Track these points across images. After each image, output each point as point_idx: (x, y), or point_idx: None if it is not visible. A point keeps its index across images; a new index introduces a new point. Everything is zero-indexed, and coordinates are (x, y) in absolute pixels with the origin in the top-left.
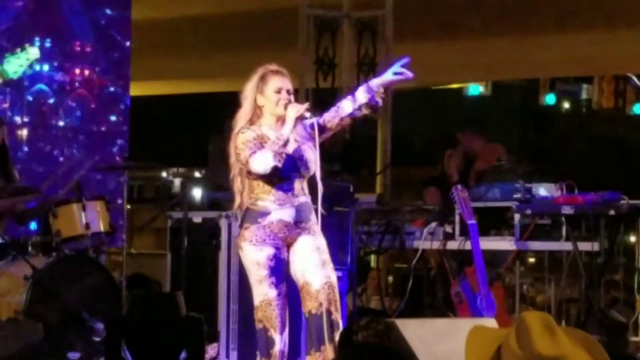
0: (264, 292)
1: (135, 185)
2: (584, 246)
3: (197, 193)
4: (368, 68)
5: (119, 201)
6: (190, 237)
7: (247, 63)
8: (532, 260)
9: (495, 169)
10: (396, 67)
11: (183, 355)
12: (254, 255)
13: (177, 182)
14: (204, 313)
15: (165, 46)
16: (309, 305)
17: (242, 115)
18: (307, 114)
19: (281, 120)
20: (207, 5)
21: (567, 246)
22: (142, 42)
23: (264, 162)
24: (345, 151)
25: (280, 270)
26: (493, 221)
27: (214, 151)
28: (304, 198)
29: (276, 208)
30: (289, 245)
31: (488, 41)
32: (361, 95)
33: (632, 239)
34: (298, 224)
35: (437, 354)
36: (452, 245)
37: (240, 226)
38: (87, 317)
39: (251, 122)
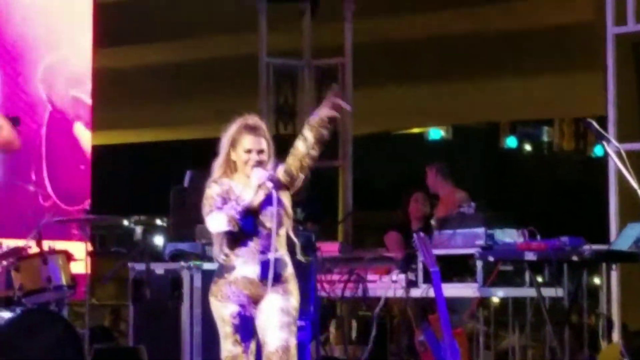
0: (228, 348)
1: (97, 235)
2: (548, 292)
3: (158, 241)
4: None
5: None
6: (152, 289)
7: (207, 110)
8: (495, 306)
9: (457, 215)
10: (328, 99)
11: None
12: (219, 311)
13: (139, 230)
14: None
15: (126, 95)
16: None
17: (217, 166)
18: (269, 185)
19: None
20: (167, 54)
21: (530, 292)
22: (102, 91)
23: (217, 224)
24: (308, 199)
25: (247, 327)
26: (456, 268)
27: (175, 201)
28: (276, 254)
29: (241, 264)
30: (256, 302)
31: (447, 85)
32: (307, 132)
33: (597, 281)
34: (264, 281)
35: None
36: (415, 292)
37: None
38: None
39: (225, 174)
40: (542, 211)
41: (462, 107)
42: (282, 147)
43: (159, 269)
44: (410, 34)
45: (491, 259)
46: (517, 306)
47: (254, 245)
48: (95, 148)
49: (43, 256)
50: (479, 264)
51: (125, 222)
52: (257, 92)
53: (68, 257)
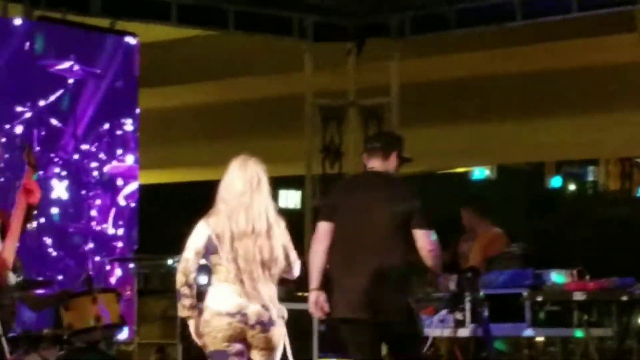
0: None
1: (141, 274)
2: (597, 332)
3: (203, 280)
4: None
5: (128, 292)
6: None
7: (253, 150)
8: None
9: (505, 254)
10: None
11: None
12: None
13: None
14: None
15: (172, 135)
16: None
17: None
18: None
19: None
20: (212, 94)
21: (578, 332)
22: (147, 130)
23: None
24: None
25: None
26: (503, 308)
27: None
28: None
29: None
30: None
31: (493, 125)
32: None
33: None
34: None
35: None
36: (462, 332)
37: None
38: None
39: None
40: (588, 250)
41: (506, 146)
42: (328, 186)
43: None
44: (456, 73)
45: (540, 299)
46: (565, 346)
47: None
48: (141, 187)
49: (92, 295)
50: (527, 304)
51: (169, 262)
52: (303, 131)
53: (117, 295)
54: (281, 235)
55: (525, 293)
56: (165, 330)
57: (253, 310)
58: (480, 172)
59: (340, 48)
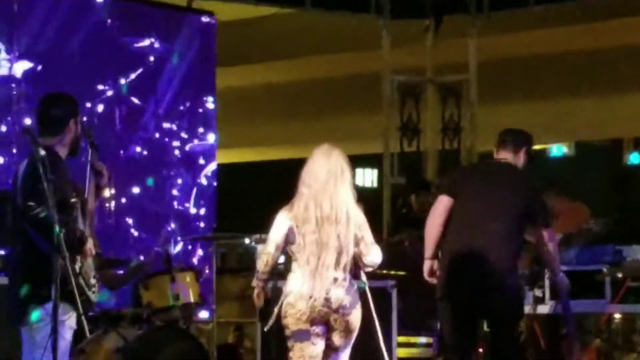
0: None
1: (219, 253)
2: None
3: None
4: (453, 132)
5: (207, 271)
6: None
7: (330, 128)
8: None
9: (584, 231)
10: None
11: None
12: None
13: (260, 248)
14: None
15: (249, 113)
16: None
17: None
18: None
19: None
20: (290, 73)
21: None
22: (225, 109)
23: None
24: None
25: None
26: (583, 285)
27: None
28: None
29: None
30: None
31: (570, 102)
32: None
33: None
34: None
35: None
36: (542, 309)
37: None
38: None
39: None
40: None
41: (585, 123)
42: (406, 163)
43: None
44: (533, 50)
45: (619, 275)
46: None
47: None
48: (219, 166)
49: (171, 274)
50: (607, 280)
51: (247, 241)
52: (381, 109)
53: (196, 274)
54: (358, 225)
55: (605, 269)
56: (243, 308)
57: (336, 294)
58: (558, 149)
59: (418, 25)
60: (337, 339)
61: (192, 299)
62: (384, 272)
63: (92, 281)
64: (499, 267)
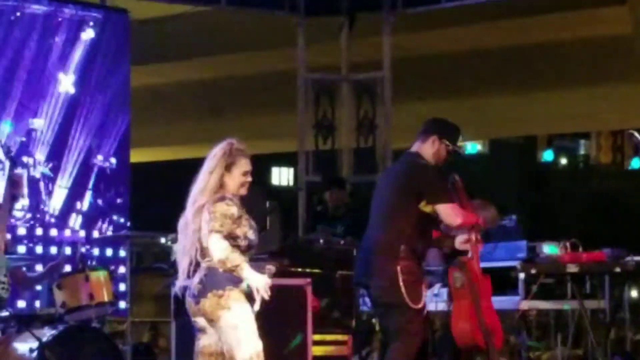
0: None
1: (134, 252)
2: (590, 304)
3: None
4: (368, 130)
5: (121, 270)
6: None
7: (245, 127)
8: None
9: (498, 228)
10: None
11: None
12: None
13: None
14: None
15: (163, 112)
16: None
17: (208, 188)
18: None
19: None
20: (204, 71)
21: (572, 304)
22: (140, 108)
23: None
24: (348, 214)
25: None
26: (497, 281)
27: None
28: None
29: None
30: None
31: (485, 99)
32: None
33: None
34: None
35: None
36: None
37: None
38: None
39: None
40: (580, 223)
41: (498, 121)
42: (320, 162)
43: None
44: (448, 48)
45: (533, 271)
46: (558, 319)
47: None
48: (133, 165)
49: (85, 273)
50: (521, 276)
51: (163, 240)
52: (295, 107)
53: (110, 274)
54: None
55: (518, 265)
56: (158, 308)
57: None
58: (473, 147)
59: (332, 23)
60: None
61: (106, 298)
62: (299, 270)
63: (3, 278)
64: (377, 251)
